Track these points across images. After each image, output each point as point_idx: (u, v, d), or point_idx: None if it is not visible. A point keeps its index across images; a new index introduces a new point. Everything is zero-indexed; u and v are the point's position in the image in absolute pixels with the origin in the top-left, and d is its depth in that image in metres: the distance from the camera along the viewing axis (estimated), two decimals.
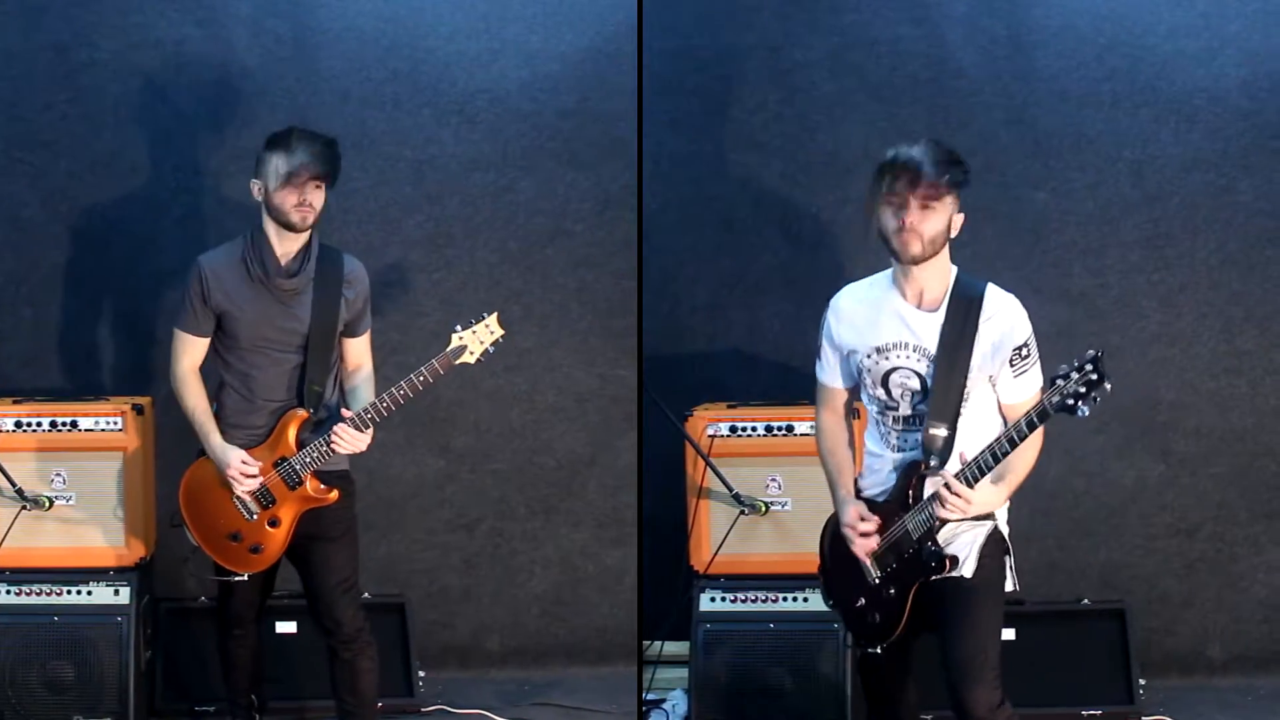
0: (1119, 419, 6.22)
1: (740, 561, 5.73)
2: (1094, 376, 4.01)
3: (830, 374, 4.63)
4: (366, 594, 5.49)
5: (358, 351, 5.11)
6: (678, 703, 5.90)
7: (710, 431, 5.78)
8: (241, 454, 4.91)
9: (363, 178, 6.28)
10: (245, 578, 5.04)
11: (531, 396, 6.44)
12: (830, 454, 4.65)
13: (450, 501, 6.44)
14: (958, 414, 4.35)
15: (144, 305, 6.21)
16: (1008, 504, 4.47)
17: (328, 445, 4.87)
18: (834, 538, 4.61)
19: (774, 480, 5.74)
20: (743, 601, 5.70)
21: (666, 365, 6.29)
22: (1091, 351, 4.02)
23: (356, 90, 6.30)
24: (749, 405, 5.91)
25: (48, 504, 5.60)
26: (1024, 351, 4.36)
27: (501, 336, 4.87)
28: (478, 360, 4.85)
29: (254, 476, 4.91)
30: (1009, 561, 4.44)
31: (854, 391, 4.62)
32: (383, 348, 5.49)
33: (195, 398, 4.98)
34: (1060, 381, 4.04)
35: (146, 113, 6.23)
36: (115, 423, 5.65)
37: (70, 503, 5.63)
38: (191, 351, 5.00)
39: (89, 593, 5.59)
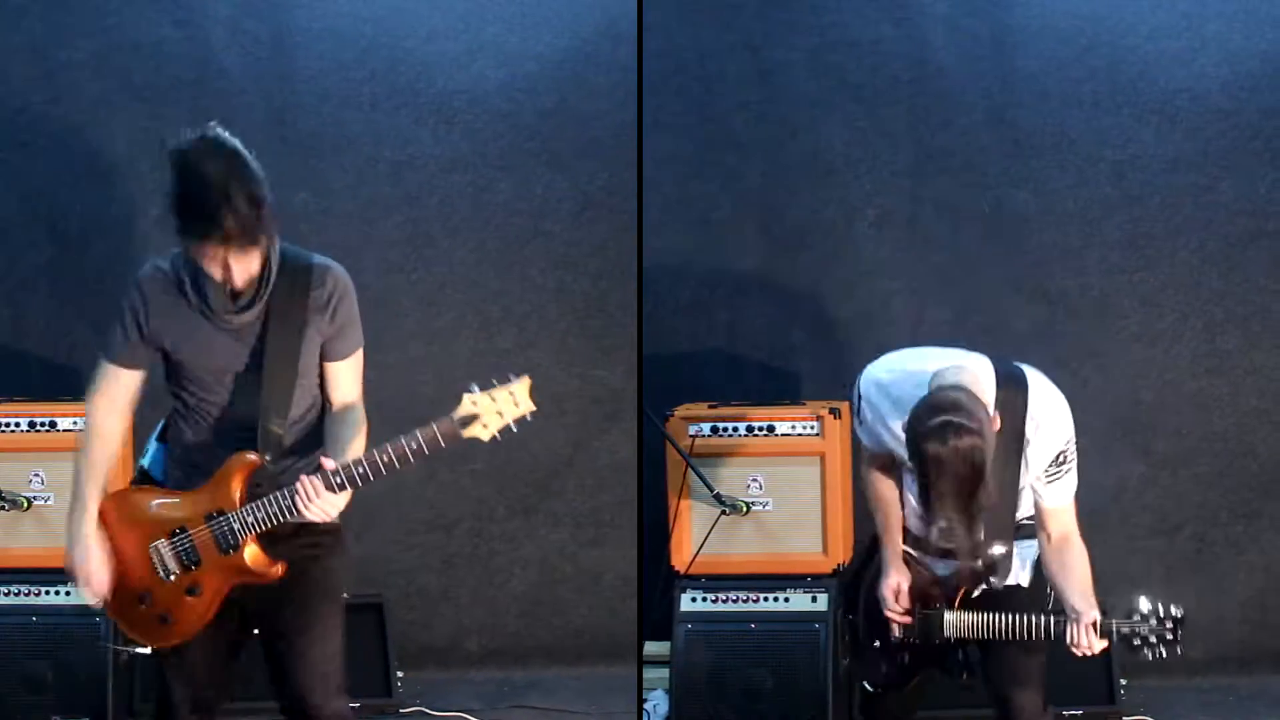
0: (1100, 419, 6.20)
1: (721, 562, 5.71)
2: (1170, 638, 3.94)
3: (871, 441, 4.40)
4: (345, 594, 4.25)
5: (343, 382, 4.06)
6: (659, 703, 5.89)
7: (691, 431, 5.76)
8: (98, 561, 3.91)
9: (341, 178, 6.28)
10: (150, 651, 4.00)
11: None
12: (878, 505, 4.48)
13: (429, 502, 6.43)
14: (1013, 530, 4.26)
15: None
16: None
17: (289, 501, 3.83)
18: (876, 574, 4.50)
19: (755, 480, 5.72)
20: (724, 602, 5.68)
21: (648, 365, 6.26)
22: (1178, 612, 3.93)
23: (335, 91, 6.30)
24: (730, 405, 5.89)
25: (26, 504, 5.59)
26: (1061, 458, 4.19)
27: (532, 412, 3.84)
28: (493, 438, 3.83)
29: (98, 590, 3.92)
30: None
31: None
32: None
33: (95, 449, 3.97)
34: (1136, 619, 3.96)
35: (124, 113, 6.22)
36: None
37: (49, 503, 5.61)
38: (111, 387, 3.98)
39: (67, 593, 5.54)
